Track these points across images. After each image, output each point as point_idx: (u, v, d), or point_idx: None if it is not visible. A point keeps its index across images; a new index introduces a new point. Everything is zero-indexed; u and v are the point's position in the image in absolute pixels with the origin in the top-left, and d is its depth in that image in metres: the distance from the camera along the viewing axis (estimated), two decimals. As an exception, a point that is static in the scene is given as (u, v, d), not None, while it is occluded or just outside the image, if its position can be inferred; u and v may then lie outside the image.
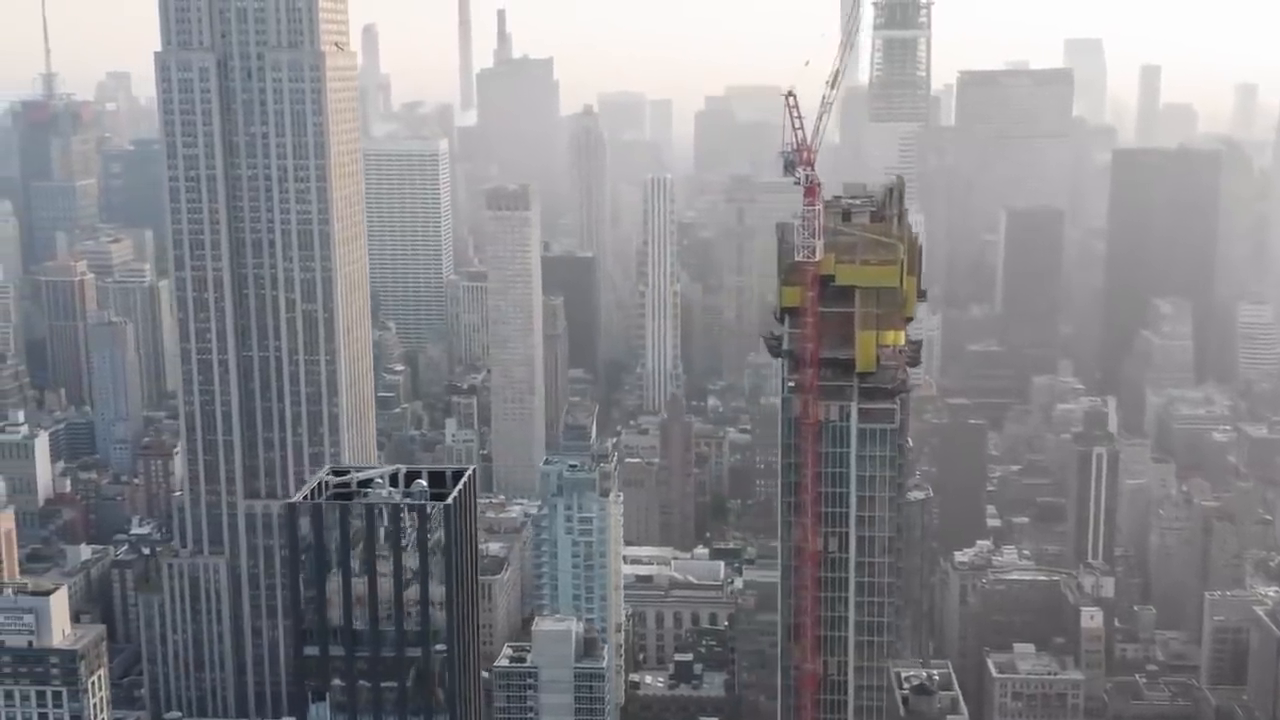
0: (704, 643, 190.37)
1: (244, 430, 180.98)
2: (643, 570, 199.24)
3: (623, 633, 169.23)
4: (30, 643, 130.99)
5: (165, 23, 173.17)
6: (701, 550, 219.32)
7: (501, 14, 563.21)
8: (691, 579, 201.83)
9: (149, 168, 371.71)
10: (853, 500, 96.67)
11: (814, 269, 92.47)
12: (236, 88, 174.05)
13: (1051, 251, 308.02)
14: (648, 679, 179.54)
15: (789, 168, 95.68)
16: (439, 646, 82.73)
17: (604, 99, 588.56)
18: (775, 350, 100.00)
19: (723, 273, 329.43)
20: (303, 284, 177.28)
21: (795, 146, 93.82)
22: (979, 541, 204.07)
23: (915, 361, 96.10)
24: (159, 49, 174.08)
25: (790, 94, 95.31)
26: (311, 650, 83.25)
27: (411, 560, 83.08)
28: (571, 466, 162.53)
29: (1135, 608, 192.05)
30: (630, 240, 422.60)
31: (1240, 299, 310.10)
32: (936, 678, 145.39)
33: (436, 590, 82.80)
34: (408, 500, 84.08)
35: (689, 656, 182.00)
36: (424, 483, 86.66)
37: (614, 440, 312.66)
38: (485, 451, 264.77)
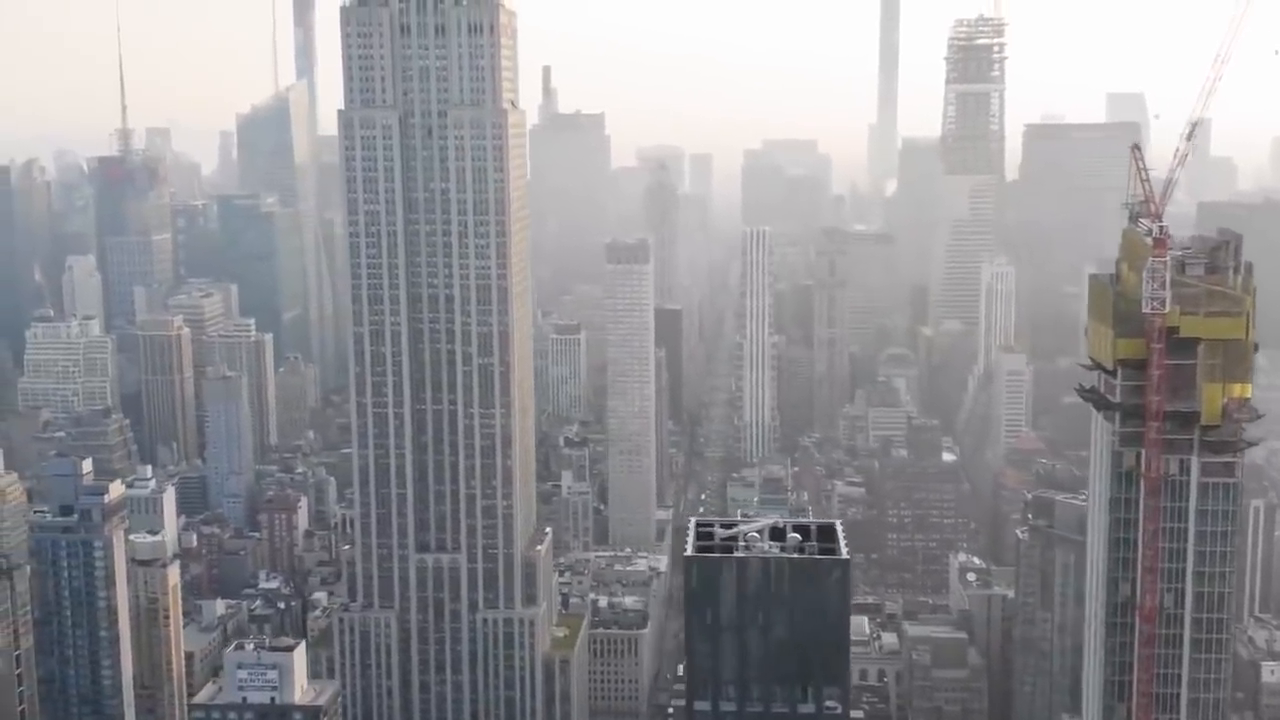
0: (865, 699, 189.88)
1: (415, 483, 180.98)
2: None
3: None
4: (273, 699, 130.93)
5: (348, 80, 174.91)
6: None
7: (547, 70, 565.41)
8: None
9: (228, 222, 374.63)
10: (1190, 555, 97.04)
11: (1161, 321, 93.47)
12: (417, 145, 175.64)
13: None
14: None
15: (1134, 219, 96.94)
16: (830, 704, 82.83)
17: (643, 153, 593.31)
18: (1098, 403, 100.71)
19: (810, 324, 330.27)
20: (479, 338, 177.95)
21: (1143, 198, 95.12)
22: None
23: (1256, 415, 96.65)
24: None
25: (1136, 146, 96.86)
26: (703, 705, 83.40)
27: (792, 615, 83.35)
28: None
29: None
30: (690, 292, 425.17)
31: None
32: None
33: (827, 646, 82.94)
34: (806, 555, 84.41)
35: (860, 714, 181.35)
36: (798, 536, 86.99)
37: (703, 493, 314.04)
38: (596, 505, 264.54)
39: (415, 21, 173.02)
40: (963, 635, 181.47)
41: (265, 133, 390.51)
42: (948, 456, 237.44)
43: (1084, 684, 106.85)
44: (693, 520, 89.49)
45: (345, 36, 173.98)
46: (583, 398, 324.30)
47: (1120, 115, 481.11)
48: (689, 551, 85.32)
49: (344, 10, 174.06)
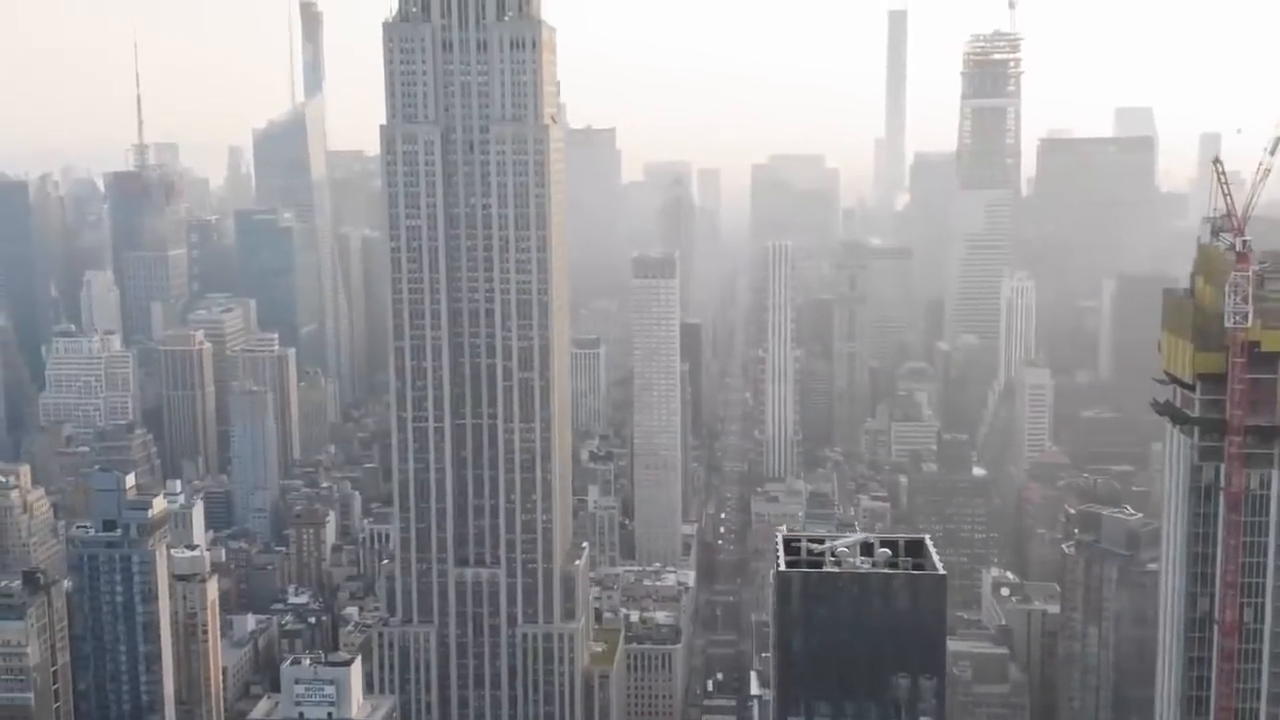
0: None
1: (455, 497, 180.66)
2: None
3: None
4: (330, 714, 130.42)
5: (391, 96, 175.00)
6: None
7: (557, 86, 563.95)
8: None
9: (246, 237, 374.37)
10: (1270, 570, 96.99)
11: (1243, 335, 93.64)
12: (458, 160, 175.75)
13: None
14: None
15: (1215, 233, 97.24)
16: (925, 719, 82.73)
17: (651, 168, 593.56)
18: (1175, 417, 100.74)
19: (829, 338, 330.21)
20: (520, 352, 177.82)
21: (1225, 213, 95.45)
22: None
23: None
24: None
25: (1217, 160, 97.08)
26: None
27: (887, 630, 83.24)
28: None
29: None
30: (705, 307, 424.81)
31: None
32: None
33: (923, 662, 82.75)
34: (901, 570, 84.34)
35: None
36: (888, 551, 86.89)
37: (712, 514, 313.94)
38: (621, 519, 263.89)
39: (457, 37, 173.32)
40: (1004, 650, 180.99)
41: (282, 148, 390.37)
42: (978, 471, 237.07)
43: (1158, 699, 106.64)
44: (779, 535, 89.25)
45: (387, 52, 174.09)
46: (602, 412, 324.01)
47: (1128, 129, 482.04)
48: (781, 567, 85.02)
49: (386, 26, 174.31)
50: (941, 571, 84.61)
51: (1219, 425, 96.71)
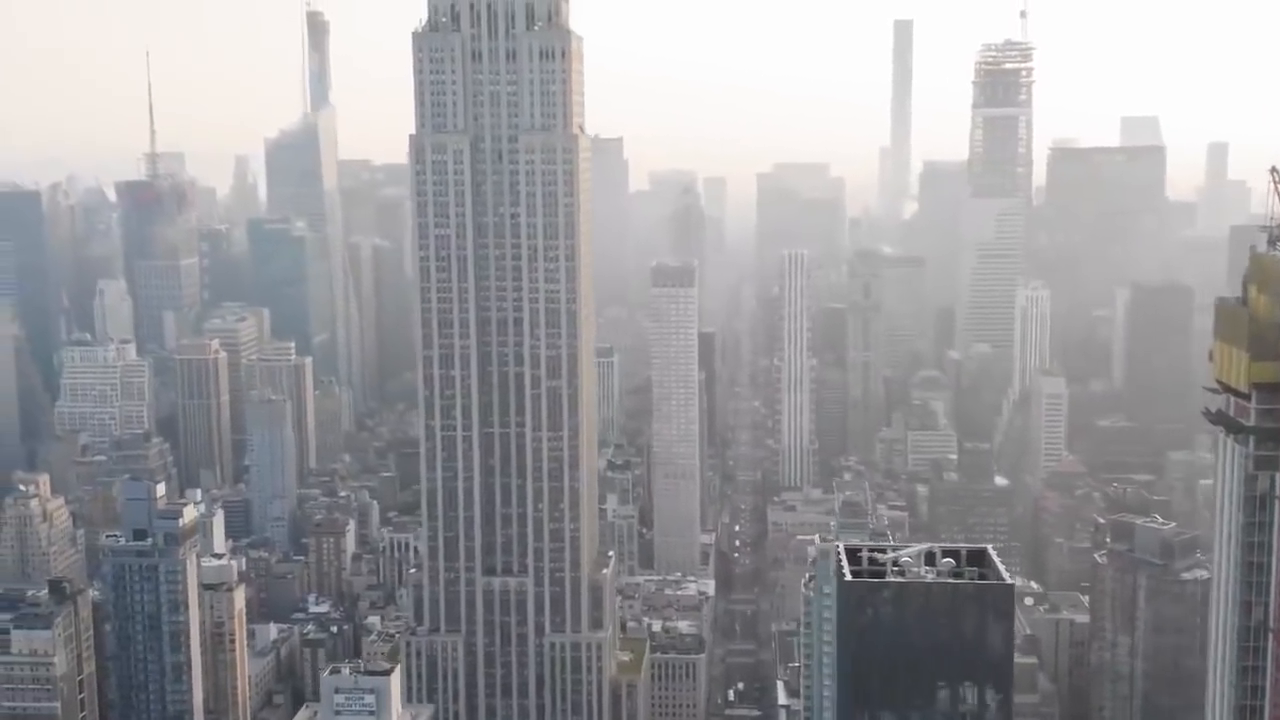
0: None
1: (483, 506, 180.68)
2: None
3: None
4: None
5: (420, 105, 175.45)
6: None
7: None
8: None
9: (258, 246, 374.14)
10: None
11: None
12: (487, 169, 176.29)
13: (1180, 327, 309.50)
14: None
15: (1273, 242, 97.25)
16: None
17: (656, 177, 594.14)
18: (1229, 426, 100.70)
19: (843, 347, 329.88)
20: (548, 361, 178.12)
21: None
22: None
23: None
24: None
25: (1274, 169, 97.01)
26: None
27: (955, 642, 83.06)
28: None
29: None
30: (713, 317, 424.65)
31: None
32: None
33: (991, 675, 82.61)
34: (967, 580, 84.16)
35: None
36: (951, 561, 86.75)
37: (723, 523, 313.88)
38: (639, 528, 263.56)
39: (486, 47, 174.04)
40: (1032, 660, 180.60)
41: (294, 157, 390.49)
42: (1000, 480, 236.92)
43: (1209, 709, 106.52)
44: (840, 544, 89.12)
45: (417, 62, 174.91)
46: (616, 421, 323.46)
47: (1134, 138, 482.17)
48: (846, 576, 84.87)
49: (415, 36, 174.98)
50: (1010, 581, 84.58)
51: (1275, 434, 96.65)
